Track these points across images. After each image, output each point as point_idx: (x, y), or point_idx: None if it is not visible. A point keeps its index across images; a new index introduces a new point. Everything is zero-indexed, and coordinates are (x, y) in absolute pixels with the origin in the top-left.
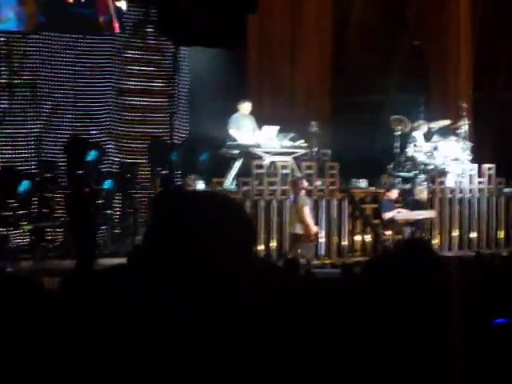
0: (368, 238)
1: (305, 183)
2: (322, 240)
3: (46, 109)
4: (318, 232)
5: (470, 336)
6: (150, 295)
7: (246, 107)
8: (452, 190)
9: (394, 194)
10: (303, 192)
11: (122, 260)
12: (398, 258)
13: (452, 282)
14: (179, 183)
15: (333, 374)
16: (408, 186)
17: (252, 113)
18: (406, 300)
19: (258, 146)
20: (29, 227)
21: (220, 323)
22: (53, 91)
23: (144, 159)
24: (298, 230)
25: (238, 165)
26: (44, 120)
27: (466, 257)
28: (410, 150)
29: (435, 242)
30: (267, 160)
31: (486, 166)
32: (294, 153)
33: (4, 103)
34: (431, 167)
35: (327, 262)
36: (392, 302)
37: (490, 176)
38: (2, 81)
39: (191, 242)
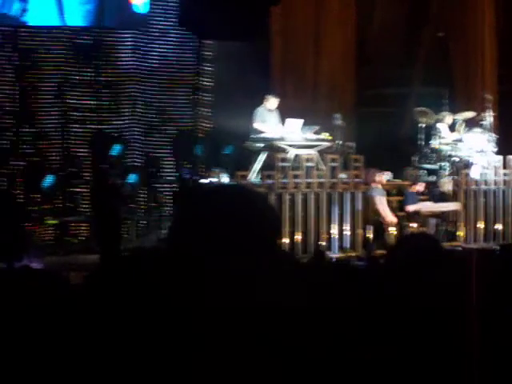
0: (393, 230)
1: (377, 174)
2: (347, 233)
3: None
4: (393, 222)
5: (491, 327)
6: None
7: (272, 102)
8: (477, 182)
9: (420, 186)
10: (375, 183)
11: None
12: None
13: (471, 274)
14: (202, 177)
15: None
16: (433, 178)
17: (276, 106)
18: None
19: (283, 139)
20: (53, 222)
21: (246, 313)
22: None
23: (169, 153)
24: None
25: (262, 158)
26: (68, 114)
27: (491, 249)
28: (435, 142)
29: (460, 233)
30: (291, 153)
31: (511, 157)
32: (318, 146)
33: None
34: (456, 159)
35: (352, 254)
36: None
37: None
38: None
39: (216, 236)
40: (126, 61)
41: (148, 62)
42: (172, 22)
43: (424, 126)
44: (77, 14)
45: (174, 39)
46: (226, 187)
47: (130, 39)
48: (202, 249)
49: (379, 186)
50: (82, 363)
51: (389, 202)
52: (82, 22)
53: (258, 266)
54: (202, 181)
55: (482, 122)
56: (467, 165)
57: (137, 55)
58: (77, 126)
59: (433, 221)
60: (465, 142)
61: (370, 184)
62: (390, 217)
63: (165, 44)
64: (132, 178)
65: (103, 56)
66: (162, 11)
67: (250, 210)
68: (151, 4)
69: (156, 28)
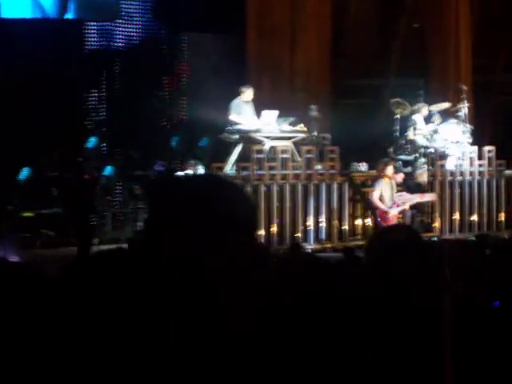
0: (369, 221)
1: (387, 168)
2: (323, 224)
3: None
4: (388, 212)
5: (468, 317)
6: (148, 281)
7: (248, 93)
8: (452, 173)
9: (398, 177)
10: (384, 176)
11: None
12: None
13: (449, 264)
14: (178, 169)
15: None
16: (408, 169)
17: (252, 98)
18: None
19: (258, 131)
20: (29, 214)
21: (222, 308)
22: None
23: (144, 145)
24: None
25: (238, 150)
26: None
27: (467, 240)
28: (410, 134)
29: (436, 224)
30: (267, 145)
31: (486, 148)
32: (293, 137)
33: None
34: (431, 150)
35: (328, 246)
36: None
37: (490, 158)
38: None
39: (192, 228)
40: (98, 51)
41: (121, 54)
42: (147, 14)
43: (399, 117)
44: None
45: (149, 31)
46: (201, 178)
47: (102, 29)
48: (178, 241)
49: (386, 179)
50: (57, 356)
51: (363, 194)
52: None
53: (235, 258)
54: (178, 173)
55: (457, 113)
56: (442, 156)
57: (110, 46)
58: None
59: (408, 212)
60: (440, 133)
61: (379, 176)
62: (382, 207)
63: (139, 35)
64: (108, 170)
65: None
66: (138, 3)
67: (225, 200)
68: None
69: (131, 19)
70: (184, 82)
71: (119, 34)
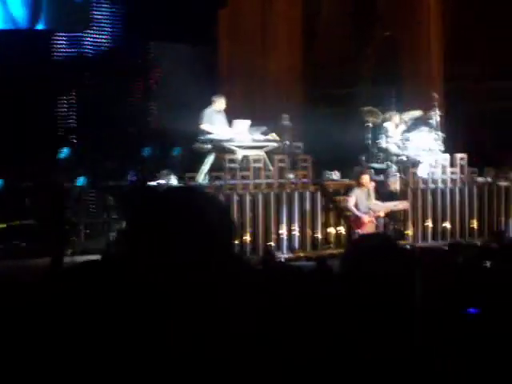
0: (342, 230)
1: (363, 176)
2: (296, 233)
3: None
4: (362, 219)
5: (443, 325)
6: (125, 293)
7: (220, 103)
8: (425, 181)
9: (370, 185)
10: (364, 185)
11: (96, 257)
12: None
13: (422, 272)
14: (150, 179)
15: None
16: (381, 177)
17: (224, 107)
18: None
19: (231, 141)
20: (1, 226)
21: (201, 318)
22: None
23: (117, 155)
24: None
25: (210, 159)
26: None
27: (440, 247)
28: (382, 142)
29: (409, 232)
30: (239, 154)
31: (458, 155)
32: (266, 146)
33: None
34: (403, 158)
35: (301, 254)
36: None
37: (462, 166)
38: None
39: (169, 239)
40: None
41: (91, 63)
42: (118, 22)
43: (371, 125)
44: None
45: (120, 40)
46: (178, 190)
47: (72, 38)
48: (156, 252)
49: (362, 187)
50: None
51: (336, 202)
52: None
53: (214, 270)
54: (150, 183)
55: (429, 121)
56: (415, 164)
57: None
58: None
59: (381, 220)
60: (412, 141)
61: (357, 185)
62: (359, 214)
63: (109, 44)
64: (81, 180)
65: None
66: (109, 12)
67: (203, 213)
68: (98, 5)
69: (101, 28)
70: (155, 92)
71: (89, 43)
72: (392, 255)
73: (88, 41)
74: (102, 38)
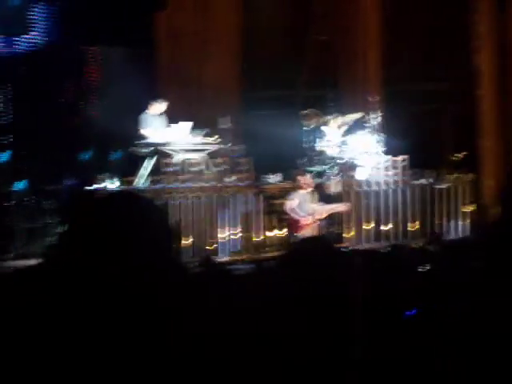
0: (282, 233)
1: (300, 177)
2: (237, 236)
3: None
4: (301, 222)
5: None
6: (66, 298)
7: (158, 107)
8: (365, 183)
9: (309, 188)
10: (304, 187)
11: (36, 261)
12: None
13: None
14: (89, 183)
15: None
16: (320, 180)
17: (162, 111)
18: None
19: (170, 144)
20: None
21: (141, 322)
22: None
23: (55, 158)
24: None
25: (149, 163)
26: None
27: (382, 249)
28: (322, 145)
29: (350, 235)
30: (179, 157)
31: (399, 157)
32: (205, 149)
33: None
34: (343, 161)
35: (242, 258)
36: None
37: (402, 168)
38: None
39: (108, 243)
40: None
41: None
42: (54, 22)
43: (310, 128)
44: None
45: (57, 44)
46: (116, 194)
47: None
48: (94, 257)
49: (302, 190)
50: None
51: (276, 205)
52: None
53: (153, 274)
54: (89, 187)
55: (368, 124)
56: (354, 166)
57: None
58: None
59: (320, 223)
60: (351, 144)
61: (297, 188)
62: (299, 217)
63: (46, 48)
64: (19, 184)
65: None
66: (44, 15)
67: (141, 217)
68: (33, 9)
69: (38, 30)
70: (95, 94)
71: (23, 44)
72: (329, 258)
73: (22, 41)
74: (36, 39)
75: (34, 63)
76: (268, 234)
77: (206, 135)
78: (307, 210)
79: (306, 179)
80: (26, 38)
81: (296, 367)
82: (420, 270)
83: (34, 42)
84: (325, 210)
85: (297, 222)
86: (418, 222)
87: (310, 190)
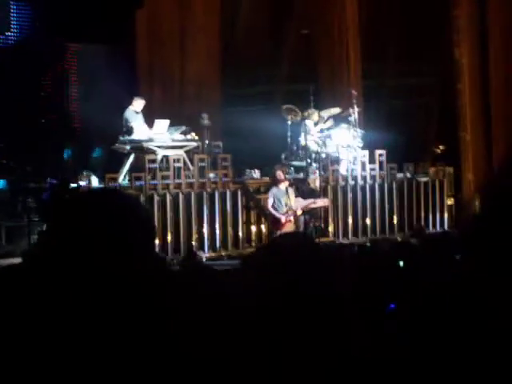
0: (263, 228)
1: (278, 173)
2: (218, 232)
3: None
4: (281, 218)
5: (365, 322)
6: (49, 297)
7: (139, 103)
8: (344, 178)
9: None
10: (281, 182)
11: (18, 260)
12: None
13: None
14: (71, 181)
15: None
16: (301, 175)
17: (143, 107)
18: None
19: (150, 141)
20: None
21: (124, 322)
22: None
23: (37, 157)
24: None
25: (130, 160)
26: None
27: (361, 244)
28: (302, 139)
29: (330, 229)
30: (159, 154)
31: (377, 152)
32: (185, 146)
33: None
34: (323, 155)
35: (223, 253)
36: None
37: (381, 162)
38: None
39: (89, 241)
40: None
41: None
42: (35, 24)
43: (291, 123)
44: None
45: (37, 41)
46: (99, 191)
47: None
48: (76, 255)
49: (280, 185)
50: None
51: (257, 200)
52: None
53: (134, 270)
54: (72, 185)
55: (348, 118)
56: (335, 161)
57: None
58: None
59: (302, 218)
60: (332, 138)
61: (276, 183)
62: (276, 214)
63: (30, 48)
64: (0, 183)
65: None
66: (25, 13)
67: (124, 214)
68: (13, 8)
69: (16, 28)
70: (74, 92)
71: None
72: (310, 253)
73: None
74: (13, 37)
75: (13, 61)
76: (249, 228)
77: (185, 132)
78: (283, 205)
79: (282, 174)
80: (6, 36)
81: (285, 366)
82: (401, 263)
83: (15, 40)
84: (302, 205)
85: (275, 219)
86: (396, 216)
87: (286, 184)
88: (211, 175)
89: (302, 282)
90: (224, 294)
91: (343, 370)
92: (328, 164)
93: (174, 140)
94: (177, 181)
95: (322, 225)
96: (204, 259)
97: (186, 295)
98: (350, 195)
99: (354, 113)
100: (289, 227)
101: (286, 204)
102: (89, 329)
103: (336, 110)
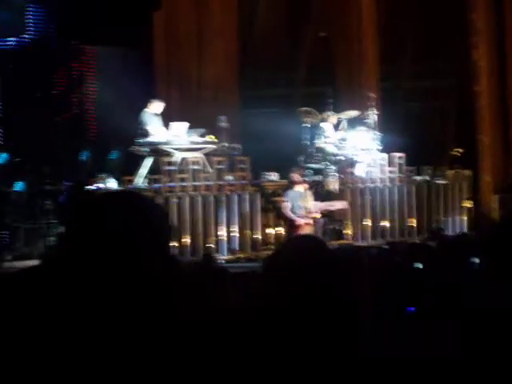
0: (281, 230)
1: (295, 176)
2: (235, 235)
3: None
4: (298, 222)
5: (384, 324)
6: (67, 299)
7: (157, 105)
8: (363, 180)
9: (304, 185)
10: (297, 185)
11: (35, 262)
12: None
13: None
14: (89, 183)
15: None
16: (319, 177)
17: (161, 111)
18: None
19: (168, 143)
20: None
21: (140, 322)
22: None
23: (55, 159)
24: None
25: (148, 162)
26: None
27: (379, 246)
28: (320, 142)
29: (348, 232)
30: (177, 156)
31: (396, 154)
32: (204, 148)
33: None
34: (341, 158)
35: (241, 256)
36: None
37: (400, 165)
38: None
39: (108, 243)
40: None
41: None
42: (52, 27)
43: (309, 125)
44: None
45: (55, 44)
46: (117, 194)
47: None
48: (94, 257)
49: (296, 188)
50: None
51: (275, 203)
52: None
53: (152, 272)
54: (89, 187)
55: (365, 121)
56: (352, 163)
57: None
58: None
59: (320, 220)
60: (349, 141)
61: (292, 187)
62: (295, 218)
63: (44, 49)
64: (18, 185)
65: None
66: (42, 16)
67: (142, 216)
68: (30, 10)
69: (34, 34)
70: (92, 94)
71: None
72: (321, 257)
73: (19, 41)
74: (30, 39)
75: (29, 63)
76: (267, 231)
77: (203, 134)
78: (300, 208)
79: (299, 177)
80: (22, 38)
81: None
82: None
83: (31, 42)
84: (320, 208)
85: (292, 222)
86: (414, 219)
87: (303, 187)
88: (229, 177)
89: (316, 285)
90: (231, 294)
91: (353, 372)
92: (346, 166)
93: (192, 142)
94: (195, 183)
95: (341, 227)
96: (222, 261)
97: (193, 296)
98: (367, 198)
99: (372, 115)
100: (307, 230)
101: (304, 207)
102: (105, 331)
103: (354, 113)
